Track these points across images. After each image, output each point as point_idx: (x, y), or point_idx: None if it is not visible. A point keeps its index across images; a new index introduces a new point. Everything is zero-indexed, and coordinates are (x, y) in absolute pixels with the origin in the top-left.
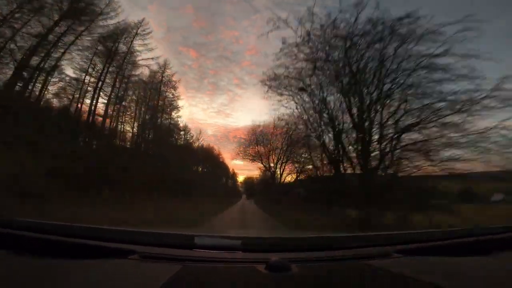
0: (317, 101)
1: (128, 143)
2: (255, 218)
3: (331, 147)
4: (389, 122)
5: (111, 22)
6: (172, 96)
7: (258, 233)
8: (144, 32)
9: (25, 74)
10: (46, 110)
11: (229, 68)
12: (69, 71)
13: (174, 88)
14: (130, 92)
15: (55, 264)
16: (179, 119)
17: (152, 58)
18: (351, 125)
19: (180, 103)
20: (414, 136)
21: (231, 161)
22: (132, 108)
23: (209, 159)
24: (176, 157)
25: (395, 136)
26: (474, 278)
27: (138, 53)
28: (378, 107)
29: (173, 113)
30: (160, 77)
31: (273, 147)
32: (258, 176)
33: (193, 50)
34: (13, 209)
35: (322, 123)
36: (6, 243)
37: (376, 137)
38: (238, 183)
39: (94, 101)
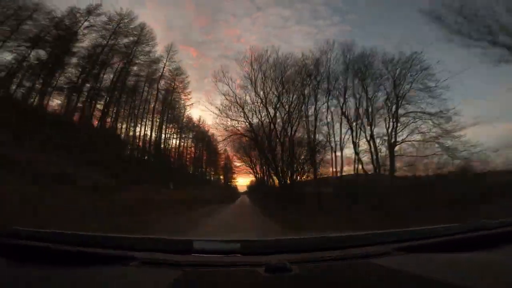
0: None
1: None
2: None
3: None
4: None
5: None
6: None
7: (257, 235)
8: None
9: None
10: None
11: (230, 67)
12: None
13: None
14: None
15: (57, 272)
16: None
17: None
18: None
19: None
20: None
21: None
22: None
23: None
24: None
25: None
26: (477, 273)
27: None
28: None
29: None
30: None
31: None
32: None
33: (193, 49)
34: None
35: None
36: (9, 253)
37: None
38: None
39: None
